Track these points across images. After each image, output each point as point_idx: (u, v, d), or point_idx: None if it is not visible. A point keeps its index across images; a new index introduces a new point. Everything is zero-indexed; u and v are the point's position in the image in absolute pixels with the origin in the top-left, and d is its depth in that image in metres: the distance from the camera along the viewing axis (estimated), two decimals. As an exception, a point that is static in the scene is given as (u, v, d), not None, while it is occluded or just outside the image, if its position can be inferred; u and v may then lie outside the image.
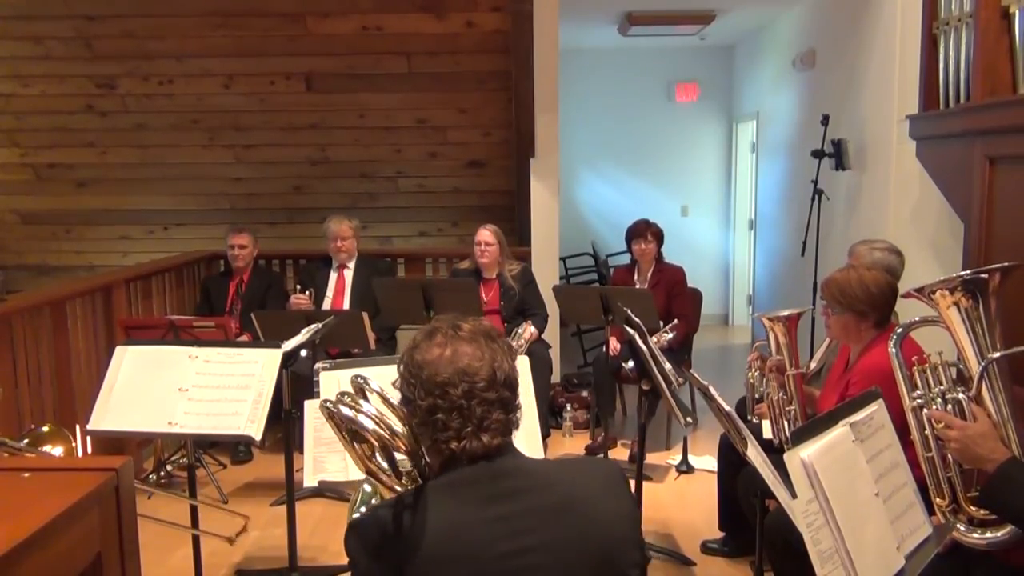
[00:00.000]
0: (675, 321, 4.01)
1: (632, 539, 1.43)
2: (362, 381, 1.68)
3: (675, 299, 4.72)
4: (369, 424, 1.53)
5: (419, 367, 1.39)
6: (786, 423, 2.81)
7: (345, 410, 1.55)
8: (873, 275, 2.61)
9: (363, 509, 1.61)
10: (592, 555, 1.36)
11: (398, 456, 1.56)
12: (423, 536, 1.32)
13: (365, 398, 1.63)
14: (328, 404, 1.56)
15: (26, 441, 2.11)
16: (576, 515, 1.36)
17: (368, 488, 1.61)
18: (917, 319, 2.29)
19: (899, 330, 2.23)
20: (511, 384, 1.42)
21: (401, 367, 1.44)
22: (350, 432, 1.55)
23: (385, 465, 1.54)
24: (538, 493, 1.37)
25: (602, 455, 4.34)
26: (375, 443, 1.53)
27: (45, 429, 2.21)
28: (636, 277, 4.87)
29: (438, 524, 1.32)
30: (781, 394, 2.82)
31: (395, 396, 1.53)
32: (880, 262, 3.15)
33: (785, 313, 2.87)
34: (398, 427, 1.55)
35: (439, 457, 1.40)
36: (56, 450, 2.12)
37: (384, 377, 2.43)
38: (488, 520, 1.33)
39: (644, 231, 4.80)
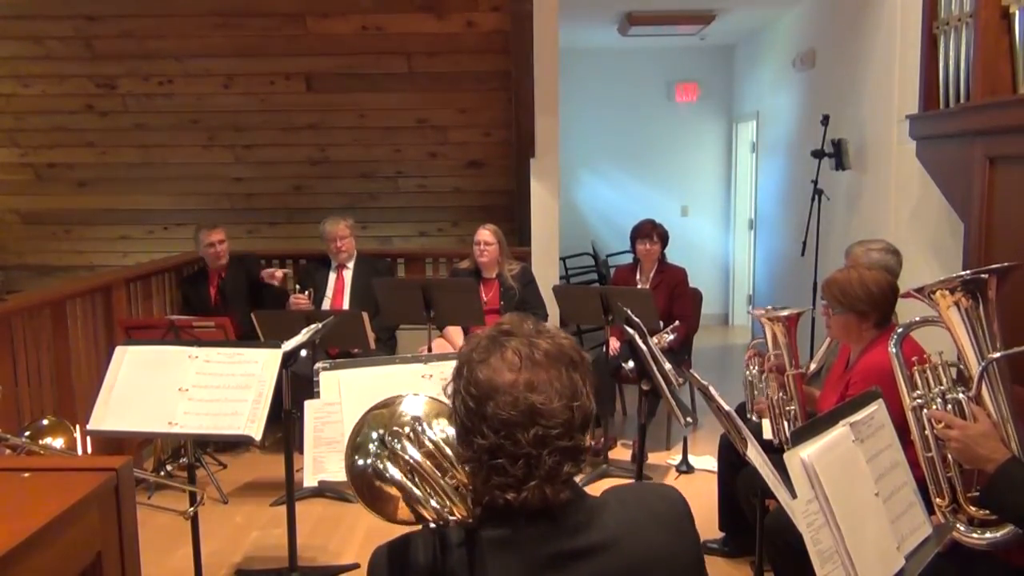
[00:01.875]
0: (676, 323, 4.01)
1: None
2: (421, 429, 1.42)
3: (677, 300, 4.73)
4: (419, 493, 1.33)
5: (483, 393, 1.15)
6: (786, 423, 2.82)
7: (395, 474, 1.35)
8: (874, 275, 2.62)
9: (371, 442, 1.41)
10: None
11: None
12: None
13: (419, 444, 1.41)
14: (379, 464, 1.37)
15: (27, 434, 2.10)
16: None
17: (374, 435, 1.42)
18: (917, 319, 2.29)
19: (899, 330, 2.23)
20: (586, 425, 1.19)
21: (461, 380, 1.20)
22: (394, 484, 1.37)
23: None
24: (601, 557, 1.18)
25: (602, 456, 4.34)
26: (429, 517, 1.34)
27: (45, 422, 2.20)
28: (638, 277, 4.87)
29: None
30: (781, 394, 2.82)
31: (449, 418, 1.32)
32: (878, 263, 3.15)
33: (785, 313, 2.87)
34: (448, 486, 1.36)
35: (489, 499, 1.19)
36: (57, 442, 2.11)
37: (392, 377, 2.38)
38: None
39: (650, 231, 4.79)
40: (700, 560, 1.31)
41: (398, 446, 1.37)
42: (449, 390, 1.23)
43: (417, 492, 1.34)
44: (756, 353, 3.04)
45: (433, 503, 1.34)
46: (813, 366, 3.28)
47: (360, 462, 1.42)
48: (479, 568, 1.15)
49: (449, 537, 1.21)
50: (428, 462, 1.37)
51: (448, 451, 1.37)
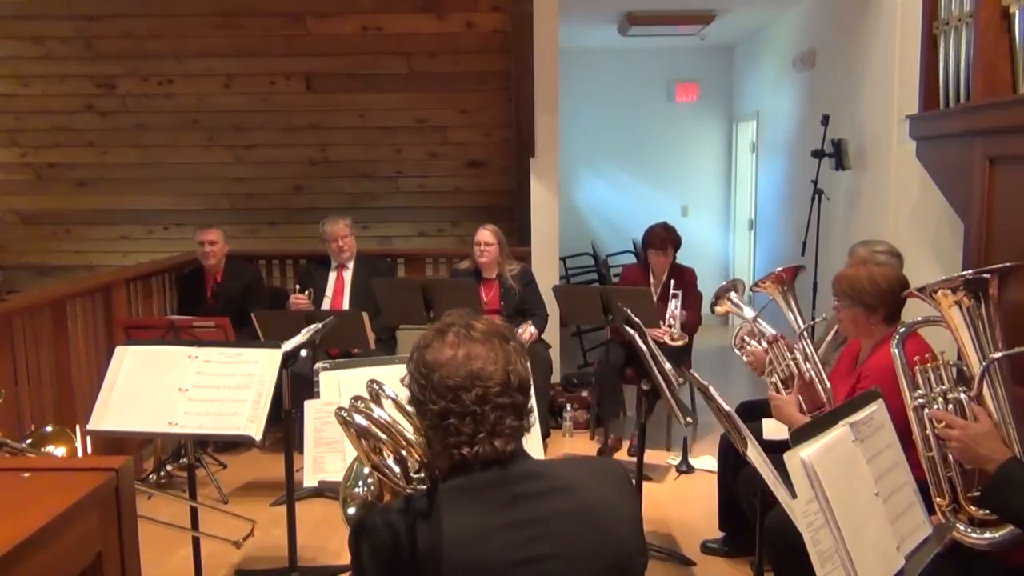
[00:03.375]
0: (680, 308, 4.03)
1: (640, 546, 1.41)
2: (378, 387, 1.63)
3: (685, 301, 4.69)
4: (383, 435, 1.49)
5: (430, 368, 1.35)
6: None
7: (360, 420, 1.51)
8: (883, 271, 2.65)
9: (359, 486, 1.57)
10: (606, 565, 1.34)
11: (410, 463, 1.52)
12: (437, 546, 1.28)
13: (379, 404, 1.58)
14: (343, 413, 1.52)
15: (29, 442, 2.11)
16: (590, 523, 1.34)
17: (360, 468, 1.57)
18: (920, 319, 2.29)
19: (902, 330, 2.23)
20: (524, 388, 1.38)
21: (411, 365, 1.39)
22: (358, 430, 1.52)
23: (396, 469, 1.50)
24: (552, 498, 1.33)
25: (605, 456, 4.34)
26: (389, 453, 1.50)
27: (49, 429, 2.21)
28: (652, 281, 4.82)
29: (452, 533, 1.28)
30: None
31: (407, 401, 1.48)
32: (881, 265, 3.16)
33: (779, 268, 2.93)
34: (412, 436, 1.51)
35: (449, 460, 1.36)
36: (59, 450, 2.11)
37: (389, 377, 2.44)
38: (502, 527, 1.30)
39: (664, 243, 4.66)
40: (639, 516, 1.45)
41: (361, 404, 1.55)
42: (405, 380, 1.41)
43: (382, 435, 1.50)
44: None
45: (394, 445, 1.51)
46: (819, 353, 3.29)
47: (351, 511, 1.57)
48: (438, 510, 1.31)
49: (413, 495, 1.38)
50: (387, 415, 1.55)
51: (408, 407, 1.53)
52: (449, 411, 1.32)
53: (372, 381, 1.64)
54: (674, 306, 4.31)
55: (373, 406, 1.55)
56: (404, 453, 1.50)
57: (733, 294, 3.40)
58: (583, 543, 1.32)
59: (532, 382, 1.42)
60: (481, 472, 1.33)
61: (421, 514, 1.31)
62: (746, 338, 3.22)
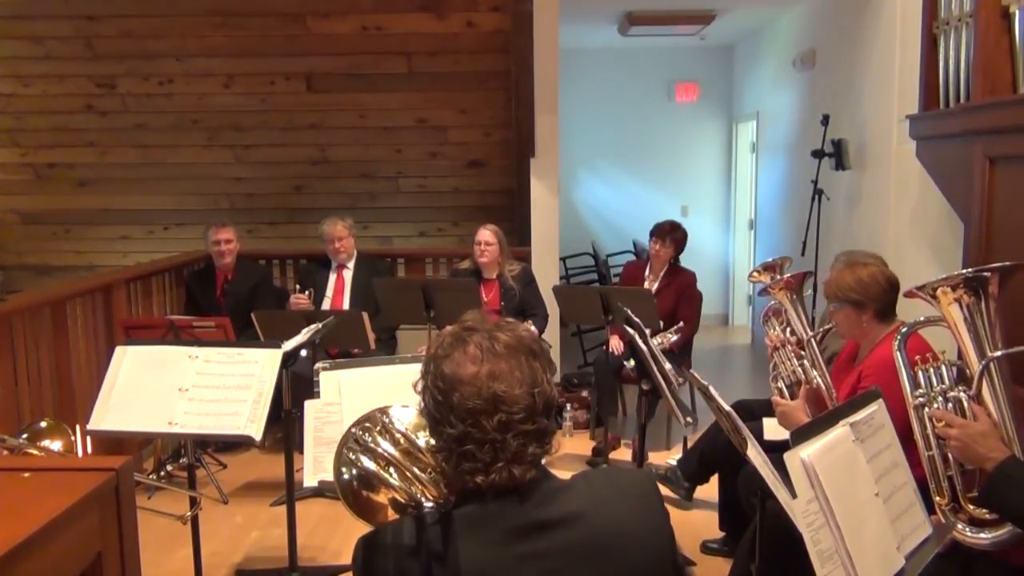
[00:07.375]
0: (680, 324, 4.01)
1: (665, 565, 1.32)
2: (388, 421, 1.51)
3: (683, 304, 4.70)
4: (395, 482, 1.42)
5: (450, 385, 1.23)
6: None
7: (368, 464, 1.44)
8: (867, 269, 2.68)
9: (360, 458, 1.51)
10: None
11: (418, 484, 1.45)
12: None
13: (389, 436, 1.49)
14: (350, 455, 1.45)
15: (24, 436, 2.10)
16: (607, 552, 1.25)
17: (352, 444, 1.51)
18: (922, 318, 2.29)
19: (904, 330, 2.23)
20: (549, 410, 1.27)
21: (428, 376, 1.27)
22: (366, 474, 1.45)
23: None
24: (568, 528, 1.24)
25: (604, 456, 4.33)
26: (400, 498, 1.42)
27: (43, 424, 2.20)
28: (647, 274, 4.85)
29: (464, 567, 1.20)
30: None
31: (420, 412, 1.37)
32: None
33: (787, 275, 2.91)
34: (423, 474, 1.43)
35: (461, 485, 1.26)
36: (55, 444, 2.11)
37: (393, 379, 2.41)
38: (516, 560, 1.21)
39: (664, 234, 4.78)
40: (669, 534, 1.35)
41: (369, 439, 1.47)
42: (418, 387, 1.30)
43: (392, 480, 1.43)
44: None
45: (407, 488, 1.43)
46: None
47: (346, 475, 1.50)
48: (452, 542, 1.21)
49: (425, 519, 1.28)
50: (398, 451, 1.45)
51: (418, 440, 1.45)
52: (467, 436, 1.22)
53: (383, 413, 1.52)
54: (669, 332, 4.28)
55: (380, 439, 1.47)
56: (418, 496, 1.42)
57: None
58: (596, 573, 1.25)
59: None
60: (495, 502, 1.23)
61: (432, 548, 1.23)
62: (771, 316, 3.20)
